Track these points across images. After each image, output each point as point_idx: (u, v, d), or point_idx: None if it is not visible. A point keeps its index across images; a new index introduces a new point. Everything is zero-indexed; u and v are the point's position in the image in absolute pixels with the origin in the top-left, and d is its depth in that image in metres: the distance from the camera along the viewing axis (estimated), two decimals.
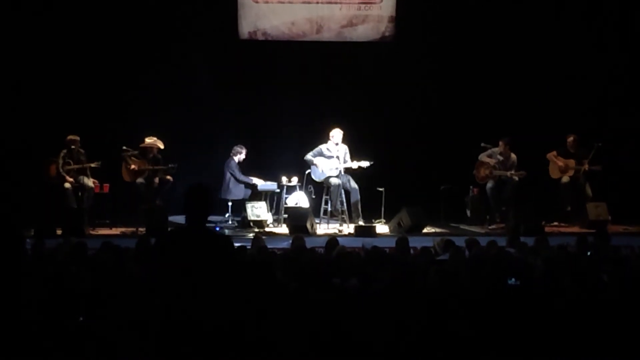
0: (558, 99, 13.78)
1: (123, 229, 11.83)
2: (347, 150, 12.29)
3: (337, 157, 12.18)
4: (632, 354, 5.64)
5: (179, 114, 13.64)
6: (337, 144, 12.21)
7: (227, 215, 12.55)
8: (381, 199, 12.36)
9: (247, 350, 5.39)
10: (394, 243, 8.73)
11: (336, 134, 12.24)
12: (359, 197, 12.16)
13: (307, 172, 12.42)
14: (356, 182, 12.22)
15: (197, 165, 13.32)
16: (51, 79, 13.30)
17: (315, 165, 12.21)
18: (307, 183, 12.56)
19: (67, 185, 11.77)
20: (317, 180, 12.36)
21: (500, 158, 12.48)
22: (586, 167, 12.35)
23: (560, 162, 12.62)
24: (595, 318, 5.73)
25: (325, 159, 12.18)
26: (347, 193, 12.23)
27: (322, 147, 12.26)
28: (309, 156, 12.26)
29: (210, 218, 12.28)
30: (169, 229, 6.65)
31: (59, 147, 11.94)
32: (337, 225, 12.14)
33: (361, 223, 11.99)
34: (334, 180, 12.07)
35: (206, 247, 4.50)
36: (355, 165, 12.07)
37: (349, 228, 11.92)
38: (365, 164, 12.02)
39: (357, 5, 14.11)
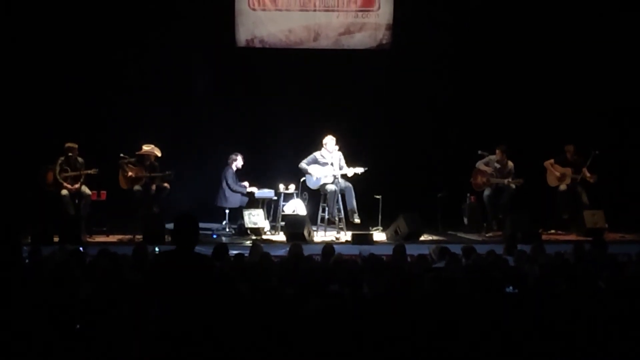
0: (555, 106, 13.80)
1: (120, 236, 11.83)
2: (342, 157, 12.29)
3: (332, 164, 12.16)
4: None
5: (176, 121, 13.66)
6: (330, 151, 12.20)
7: (224, 222, 12.53)
8: (378, 207, 12.36)
9: (246, 358, 5.40)
10: (391, 250, 8.73)
11: (329, 140, 12.25)
12: (353, 193, 12.15)
13: (302, 179, 12.42)
14: (353, 188, 12.20)
15: (195, 172, 13.33)
16: (49, 86, 13.30)
17: (309, 173, 12.21)
18: (303, 190, 12.56)
19: (64, 192, 11.76)
20: (312, 188, 12.36)
21: (498, 166, 12.49)
22: (586, 173, 12.35)
23: (557, 172, 12.64)
24: (592, 325, 5.74)
25: (320, 167, 12.18)
26: (343, 197, 12.20)
27: (317, 155, 12.27)
28: (303, 164, 12.26)
29: (208, 225, 12.34)
30: (160, 252, 7.12)
31: (56, 155, 11.92)
32: (334, 233, 12.13)
33: (357, 220, 12.07)
34: (330, 187, 12.07)
35: (193, 270, 5.12)
36: (350, 172, 12.05)
37: (346, 235, 11.92)
38: (360, 170, 12.02)
39: (354, 13, 14.14)
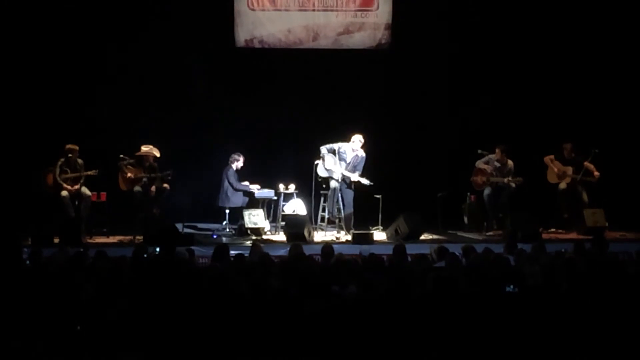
0: (555, 105, 13.80)
1: (120, 238, 11.82)
2: (363, 160, 12.11)
3: (348, 163, 12.06)
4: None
5: (175, 122, 13.64)
6: (354, 150, 12.12)
7: (224, 223, 12.52)
8: (378, 206, 12.34)
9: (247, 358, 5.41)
10: (392, 250, 8.72)
11: (357, 140, 12.08)
12: (352, 210, 12.10)
13: (315, 162, 12.29)
14: (354, 191, 12.15)
15: (194, 173, 13.33)
16: (48, 87, 13.30)
17: (323, 160, 12.11)
18: (316, 175, 12.39)
19: (64, 193, 11.75)
20: (320, 174, 12.23)
21: (497, 165, 12.49)
22: (589, 166, 12.31)
23: (557, 168, 12.63)
24: (593, 324, 5.74)
25: (334, 160, 12.08)
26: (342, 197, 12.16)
27: (340, 146, 12.11)
28: (323, 149, 12.12)
29: (208, 226, 12.37)
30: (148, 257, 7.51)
31: (56, 156, 11.91)
32: (334, 233, 12.13)
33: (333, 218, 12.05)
34: (333, 184, 12.03)
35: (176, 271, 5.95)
36: (355, 178, 11.97)
37: (346, 235, 11.90)
38: (365, 182, 11.91)
39: (353, 12, 14.14)
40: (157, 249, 8.86)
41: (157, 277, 5.41)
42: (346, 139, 12.16)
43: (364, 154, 12.10)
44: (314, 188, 12.39)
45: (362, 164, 12.09)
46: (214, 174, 12.85)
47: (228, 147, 12.88)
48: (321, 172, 12.20)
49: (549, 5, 13.74)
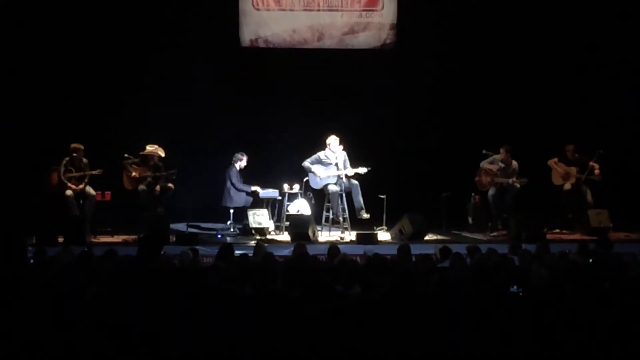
0: (559, 106, 13.78)
1: (125, 237, 11.83)
2: (346, 157, 12.29)
3: (336, 165, 12.17)
4: None
5: (180, 121, 13.64)
6: (334, 151, 12.22)
7: (228, 222, 12.54)
8: (383, 206, 12.35)
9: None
10: (396, 250, 8.73)
11: (332, 141, 12.26)
12: (359, 190, 12.16)
13: (305, 179, 12.42)
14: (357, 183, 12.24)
15: (199, 172, 13.34)
16: (53, 87, 13.33)
17: (313, 172, 12.22)
18: (306, 190, 12.56)
19: (68, 192, 11.76)
20: (315, 188, 12.35)
21: (502, 165, 12.48)
22: (594, 165, 12.29)
23: (561, 169, 12.63)
24: (596, 325, 5.73)
25: (323, 167, 12.18)
26: (349, 194, 12.20)
27: (320, 155, 12.27)
28: (306, 163, 12.26)
29: (212, 225, 12.38)
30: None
31: (61, 155, 11.93)
32: (338, 233, 12.13)
33: (365, 216, 12.06)
34: (333, 188, 12.07)
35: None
36: (351, 172, 12.06)
37: (350, 235, 11.91)
38: (362, 170, 12.01)
39: (358, 12, 14.15)
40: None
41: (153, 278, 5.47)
42: (323, 145, 12.30)
43: (343, 151, 12.27)
44: (312, 199, 12.53)
45: (347, 160, 12.25)
46: (218, 173, 12.85)
47: (233, 147, 12.89)
48: (316, 184, 12.28)
49: (554, 7, 13.72)
